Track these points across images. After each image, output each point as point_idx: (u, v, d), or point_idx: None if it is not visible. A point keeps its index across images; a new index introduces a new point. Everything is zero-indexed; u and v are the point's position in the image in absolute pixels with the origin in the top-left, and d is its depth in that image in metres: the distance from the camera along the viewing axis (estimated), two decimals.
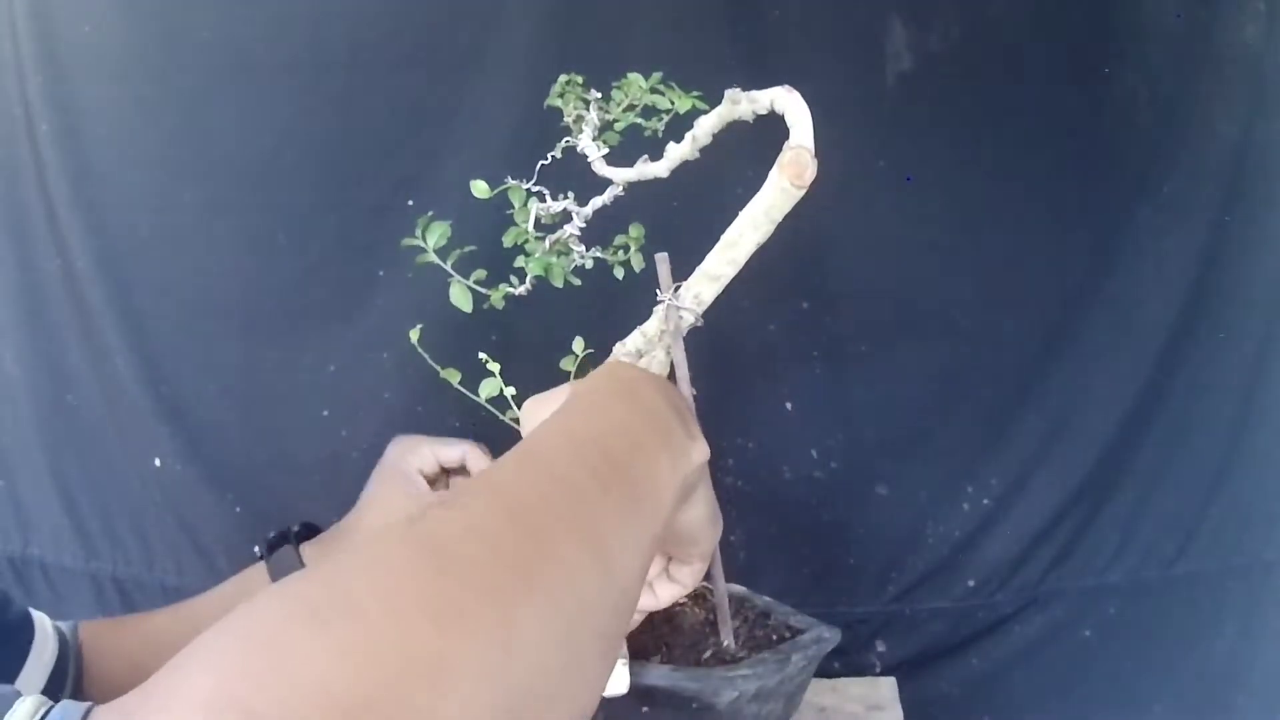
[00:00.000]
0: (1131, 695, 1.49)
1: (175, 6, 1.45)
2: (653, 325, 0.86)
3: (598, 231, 0.89)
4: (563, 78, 0.84)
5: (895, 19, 1.38)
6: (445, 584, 0.44)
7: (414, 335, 0.87)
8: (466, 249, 0.86)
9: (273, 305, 1.50)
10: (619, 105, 0.82)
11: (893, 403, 1.45)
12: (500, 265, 0.89)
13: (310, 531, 0.97)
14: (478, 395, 0.90)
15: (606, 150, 0.84)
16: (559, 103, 0.84)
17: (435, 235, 0.84)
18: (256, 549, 0.92)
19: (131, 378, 1.52)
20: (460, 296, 0.86)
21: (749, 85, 0.81)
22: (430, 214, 0.86)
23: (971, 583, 1.48)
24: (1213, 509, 1.46)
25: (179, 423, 1.52)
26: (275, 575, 0.90)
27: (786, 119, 0.78)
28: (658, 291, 0.84)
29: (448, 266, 0.86)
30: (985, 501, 1.46)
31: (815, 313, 1.43)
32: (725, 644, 0.92)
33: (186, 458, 1.52)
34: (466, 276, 0.87)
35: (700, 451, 0.67)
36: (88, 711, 0.38)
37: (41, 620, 0.85)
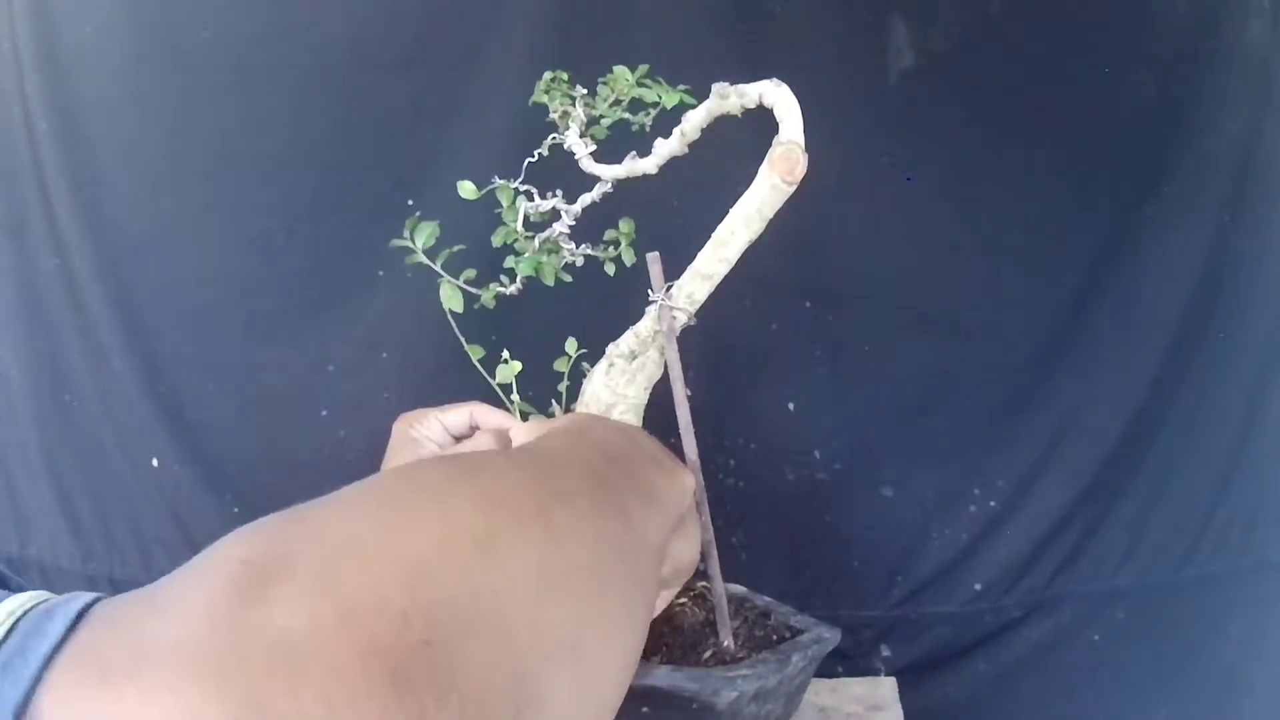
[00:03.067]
0: (1139, 699, 1.47)
1: (175, 6, 1.45)
2: (646, 326, 0.86)
3: (589, 230, 0.88)
4: (547, 75, 0.83)
5: (897, 17, 1.36)
6: (485, 481, 0.46)
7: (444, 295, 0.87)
8: (456, 249, 0.86)
9: (273, 305, 1.49)
10: (605, 101, 0.81)
11: (897, 403, 1.44)
12: (499, 265, 0.88)
13: None
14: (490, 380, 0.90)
15: (594, 147, 0.83)
16: (544, 99, 0.83)
17: (424, 235, 0.83)
18: None
19: (130, 377, 1.51)
20: (451, 296, 0.85)
21: (751, 83, 0.80)
22: (418, 214, 0.85)
23: (978, 586, 1.46)
24: (1220, 511, 1.44)
25: (177, 423, 1.52)
26: None
27: (775, 113, 0.77)
28: (650, 292, 0.83)
29: (437, 266, 0.85)
30: (992, 504, 1.44)
31: (818, 312, 1.42)
32: (725, 644, 0.92)
33: (185, 458, 1.52)
34: (462, 276, 0.86)
35: (688, 478, 0.69)
36: (90, 603, 0.34)
37: None
